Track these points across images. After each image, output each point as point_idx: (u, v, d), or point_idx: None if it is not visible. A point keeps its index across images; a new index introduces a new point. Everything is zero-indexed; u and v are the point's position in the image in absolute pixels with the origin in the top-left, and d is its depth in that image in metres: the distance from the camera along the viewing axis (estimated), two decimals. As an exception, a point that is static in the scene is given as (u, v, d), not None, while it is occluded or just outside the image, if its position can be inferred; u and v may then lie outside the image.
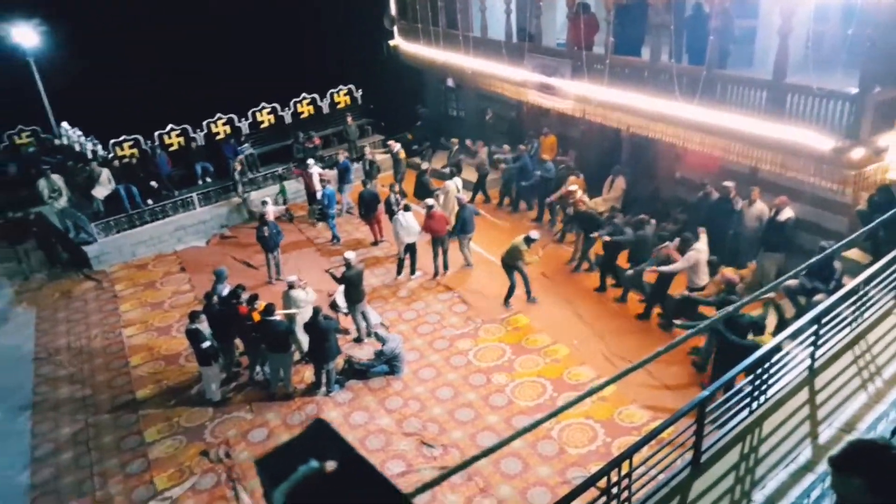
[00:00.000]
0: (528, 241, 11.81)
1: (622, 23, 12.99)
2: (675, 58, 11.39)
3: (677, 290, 10.77)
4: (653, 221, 11.82)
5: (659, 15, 11.58)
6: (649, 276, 11.29)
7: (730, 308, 6.24)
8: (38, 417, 10.80)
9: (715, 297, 9.37)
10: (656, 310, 11.35)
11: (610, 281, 12.34)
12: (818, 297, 8.34)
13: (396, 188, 15.28)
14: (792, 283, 8.91)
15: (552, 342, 11.13)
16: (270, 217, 14.25)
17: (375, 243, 15.56)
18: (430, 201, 13.61)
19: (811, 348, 5.95)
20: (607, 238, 11.81)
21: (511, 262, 11.95)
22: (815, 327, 5.90)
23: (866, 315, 6.54)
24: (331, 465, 2.91)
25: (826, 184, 9.30)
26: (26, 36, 19.48)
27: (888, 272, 6.57)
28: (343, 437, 3.23)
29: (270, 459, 3.29)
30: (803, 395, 5.77)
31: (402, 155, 17.75)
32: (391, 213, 14.23)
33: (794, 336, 5.93)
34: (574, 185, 13.38)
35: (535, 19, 14.96)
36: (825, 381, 5.89)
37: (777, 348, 5.70)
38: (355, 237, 16.10)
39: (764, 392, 5.64)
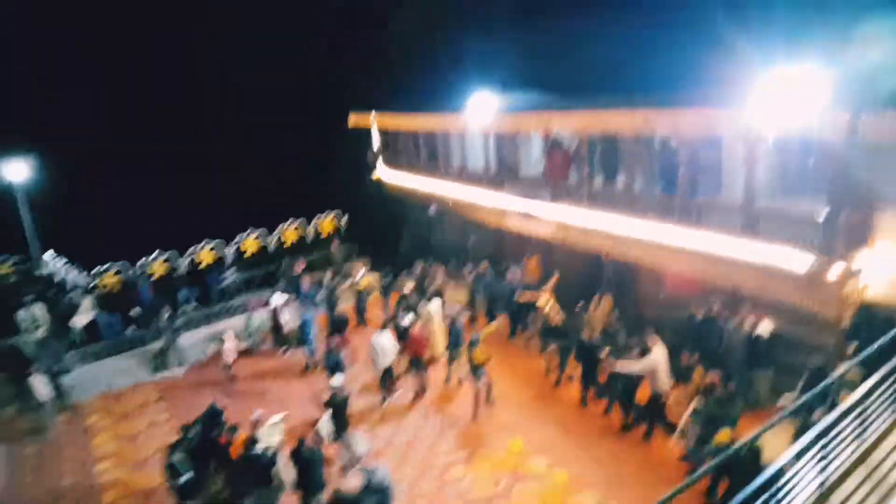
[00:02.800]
0: (473, 343, 12.32)
1: (596, 154, 13.91)
2: (648, 186, 12.10)
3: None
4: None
5: (630, 148, 12.44)
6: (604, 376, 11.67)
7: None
8: (-4, 567, 9.89)
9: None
10: (629, 419, 11.41)
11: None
12: (817, 414, 8.33)
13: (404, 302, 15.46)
14: (790, 398, 8.95)
15: (549, 467, 10.76)
16: (231, 357, 14.59)
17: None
18: (406, 322, 13.68)
19: (820, 467, 5.87)
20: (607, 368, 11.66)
21: (473, 366, 12.31)
22: (820, 445, 5.86)
23: (869, 431, 6.53)
24: None
25: (807, 302, 9.62)
26: (17, 170, 19.91)
27: (884, 388, 6.66)
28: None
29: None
30: (821, 516, 5.62)
31: (367, 280, 18.17)
32: (395, 325, 14.23)
33: (799, 455, 5.87)
34: (547, 298, 13.70)
35: (513, 152, 15.91)
36: (840, 500, 5.76)
37: (784, 469, 5.62)
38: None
39: (781, 514, 5.49)
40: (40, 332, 16.07)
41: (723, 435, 8.70)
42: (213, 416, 10.93)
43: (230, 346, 14.55)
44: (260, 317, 17.52)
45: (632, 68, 13.24)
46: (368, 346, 13.38)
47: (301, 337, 15.67)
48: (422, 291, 16.68)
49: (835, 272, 9.00)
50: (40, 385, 14.01)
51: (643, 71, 12.85)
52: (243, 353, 16.57)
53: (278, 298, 16.67)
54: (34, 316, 16.04)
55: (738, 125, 9.87)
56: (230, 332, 15.23)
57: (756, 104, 9.33)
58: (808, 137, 9.57)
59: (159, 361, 16.04)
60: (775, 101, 9.09)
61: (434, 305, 15.04)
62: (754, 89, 9.24)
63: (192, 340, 17.19)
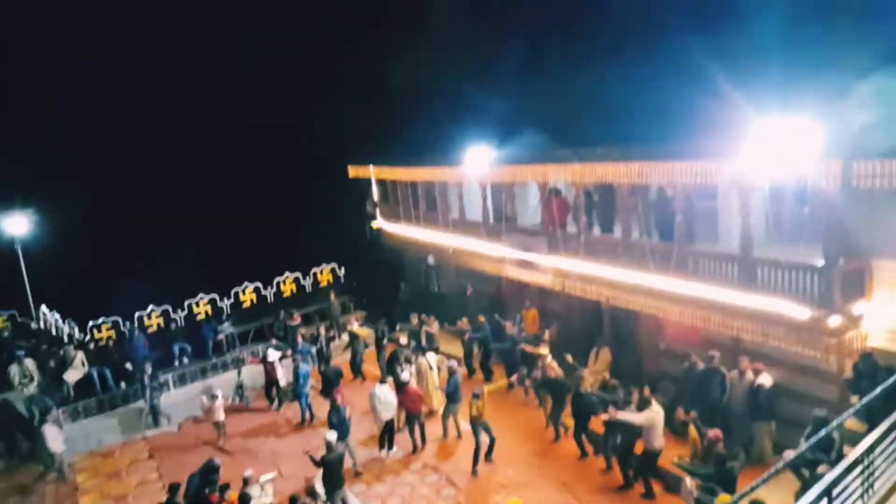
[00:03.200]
0: (476, 396, 12.11)
1: (593, 204, 13.97)
2: (645, 234, 12.10)
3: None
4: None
5: (626, 198, 12.49)
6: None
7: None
8: None
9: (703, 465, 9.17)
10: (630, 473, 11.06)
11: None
12: (821, 468, 8.09)
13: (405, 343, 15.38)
14: (792, 454, 8.68)
15: (549, 528, 10.40)
16: (220, 416, 14.31)
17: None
18: (404, 377, 13.48)
19: (829, 525, 5.65)
20: (607, 417, 11.23)
21: (475, 418, 12.11)
22: (825, 500, 5.66)
23: (876, 487, 6.32)
24: None
25: (808, 352, 9.48)
26: (18, 225, 20.01)
27: (888, 440, 6.47)
28: None
29: None
30: (831, 579, 5.37)
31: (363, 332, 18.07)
32: (393, 372, 14.02)
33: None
34: (545, 350, 13.58)
35: (510, 202, 15.97)
36: (851, 563, 5.52)
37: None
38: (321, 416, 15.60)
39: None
40: (32, 388, 15.83)
41: (724, 497, 8.45)
42: (209, 472, 10.64)
43: (219, 405, 14.28)
44: (250, 372, 17.31)
45: (627, 119, 13.44)
46: (370, 398, 13.17)
47: (296, 391, 15.40)
48: (417, 343, 16.51)
49: (834, 321, 8.89)
50: (53, 435, 13.69)
51: (638, 121, 13.03)
52: (235, 410, 16.32)
53: (273, 353, 16.49)
54: (25, 370, 15.83)
55: (733, 174, 9.93)
56: (219, 390, 14.96)
57: (750, 153, 9.40)
58: (803, 186, 9.60)
59: (149, 419, 15.65)
60: (769, 150, 9.16)
61: (430, 358, 14.84)
62: (748, 139, 9.33)
63: (185, 395, 16.91)
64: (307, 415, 15.27)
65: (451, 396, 13.32)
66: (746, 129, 9.32)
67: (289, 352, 16.99)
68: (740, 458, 9.38)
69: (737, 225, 10.48)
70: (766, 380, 10.69)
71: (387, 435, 13.28)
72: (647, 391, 10.89)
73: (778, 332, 9.70)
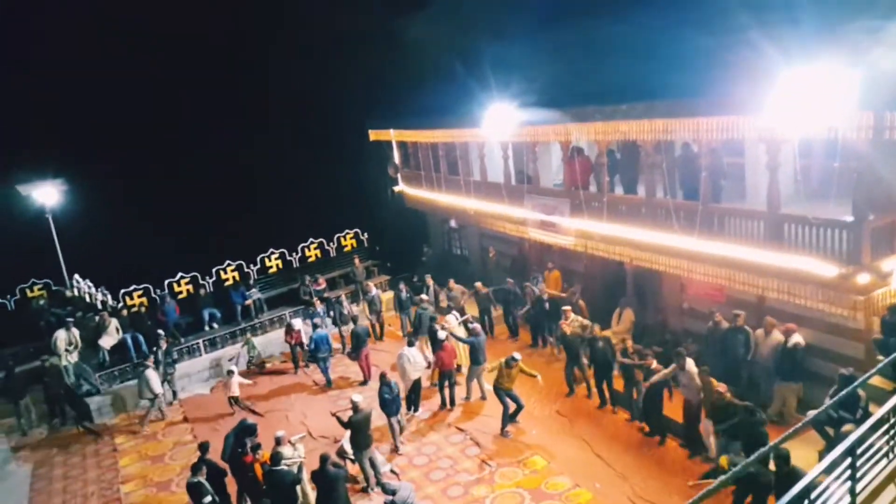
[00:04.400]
0: (509, 362, 12.05)
1: (615, 163, 13.74)
2: (669, 193, 11.88)
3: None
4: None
5: (650, 156, 12.25)
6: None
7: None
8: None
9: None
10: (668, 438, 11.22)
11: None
12: (846, 427, 8.03)
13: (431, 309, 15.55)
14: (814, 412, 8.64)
15: (573, 486, 10.55)
16: (235, 391, 14.46)
17: (364, 382, 15.42)
18: (441, 334, 13.64)
19: (850, 482, 5.63)
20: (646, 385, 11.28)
21: (501, 385, 12.14)
22: (850, 459, 5.63)
23: (902, 445, 6.26)
24: None
25: (835, 310, 9.31)
26: (48, 195, 20.41)
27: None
28: None
29: None
30: (851, 536, 5.38)
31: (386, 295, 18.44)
32: (432, 332, 14.12)
33: (828, 470, 5.64)
34: (568, 309, 13.72)
35: (532, 163, 15.79)
36: (871, 520, 5.52)
37: (813, 484, 5.40)
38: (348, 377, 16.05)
39: (809, 535, 5.27)
40: (75, 355, 16.33)
41: (723, 459, 8.43)
42: (243, 432, 10.92)
43: (235, 381, 14.56)
44: (267, 340, 17.70)
45: (652, 73, 13.04)
46: (399, 358, 13.40)
47: (315, 355, 15.67)
48: (437, 305, 16.72)
49: (862, 278, 8.70)
50: (154, 378, 14.67)
51: (663, 75, 12.65)
52: (265, 374, 16.83)
53: (297, 317, 16.78)
54: (72, 338, 16.31)
55: (761, 128, 9.64)
56: (234, 367, 15.28)
57: (779, 105, 9.10)
58: (833, 139, 9.29)
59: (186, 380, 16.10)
60: (798, 102, 8.85)
61: (451, 320, 14.94)
62: (777, 90, 9.01)
63: (214, 359, 17.37)
64: (328, 379, 15.59)
65: (474, 358, 13.47)
66: (775, 80, 9.00)
67: (313, 315, 17.25)
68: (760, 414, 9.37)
69: (764, 181, 10.21)
70: (799, 339, 10.54)
71: (413, 395, 13.51)
72: (684, 348, 10.93)
73: (804, 291, 9.53)
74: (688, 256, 11.38)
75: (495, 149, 16.95)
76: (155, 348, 15.94)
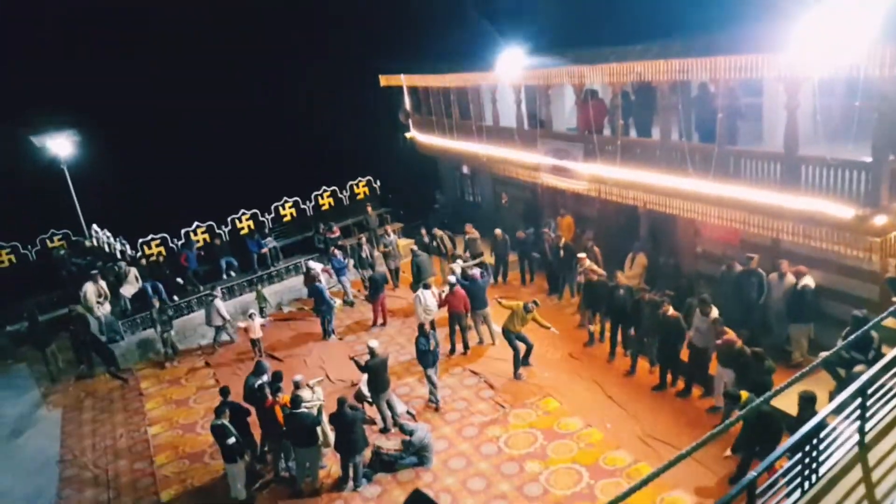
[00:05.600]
0: (528, 308, 12.17)
1: (630, 105, 13.47)
2: (685, 136, 11.68)
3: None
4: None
5: (666, 97, 11.99)
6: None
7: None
8: (62, 523, 10.56)
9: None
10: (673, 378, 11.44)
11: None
12: (858, 368, 8.11)
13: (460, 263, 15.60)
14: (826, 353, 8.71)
15: (585, 426, 10.81)
16: (257, 333, 14.74)
17: (375, 325, 15.84)
18: (451, 278, 13.82)
19: (859, 422, 5.74)
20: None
21: (511, 329, 12.26)
22: (860, 399, 5.71)
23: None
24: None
25: (850, 252, 9.25)
26: (62, 146, 20.48)
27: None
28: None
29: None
30: (857, 472, 5.52)
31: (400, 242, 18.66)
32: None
33: (838, 410, 5.74)
34: (582, 255, 13.88)
35: (545, 107, 15.52)
36: (879, 457, 5.64)
37: (823, 423, 5.50)
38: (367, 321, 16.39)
39: (815, 471, 5.40)
40: (106, 306, 16.48)
41: (744, 394, 8.55)
42: (259, 372, 11.24)
43: (257, 323, 14.81)
44: (282, 287, 18.02)
45: (667, 12, 12.64)
46: (415, 300, 13.82)
47: (318, 308, 15.73)
48: (445, 254, 16.95)
49: (879, 220, 8.60)
50: (221, 306, 15.77)
51: (679, 14, 12.25)
52: (282, 320, 17.17)
53: (314, 265, 16.94)
54: (100, 289, 16.45)
55: (780, 67, 9.38)
56: (253, 309, 15.60)
57: (799, 43, 8.82)
58: (854, 78, 9.02)
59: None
60: (820, 38, 8.57)
61: (456, 267, 15.00)
62: (798, 27, 8.72)
63: (235, 307, 17.69)
64: (325, 331, 15.68)
65: (473, 304, 13.66)
66: (796, 16, 8.70)
67: (328, 262, 17.42)
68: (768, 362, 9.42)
69: (782, 123, 9.99)
70: (809, 281, 10.55)
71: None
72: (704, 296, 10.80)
73: (820, 233, 9.45)
74: (703, 200, 11.27)
75: (508, 93, 16.67)
76: (150, 308, 16.13)
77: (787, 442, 5.28)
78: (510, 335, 12.42)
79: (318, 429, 10.36)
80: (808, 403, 7.54)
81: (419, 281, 15.37)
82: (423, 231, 18.11)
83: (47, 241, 21.29)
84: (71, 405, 14.53)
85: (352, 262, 18.08)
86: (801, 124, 9.76)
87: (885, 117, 8.58)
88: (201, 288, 17.93)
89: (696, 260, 13.65)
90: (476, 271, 14.23)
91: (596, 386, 11.91)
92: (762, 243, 11.59)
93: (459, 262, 15.41)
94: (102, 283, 16.67)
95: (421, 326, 11.98)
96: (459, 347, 13.95)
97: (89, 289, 16.32)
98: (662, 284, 13.08)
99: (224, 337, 16.25)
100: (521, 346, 12.56)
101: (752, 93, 11.92)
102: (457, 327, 13.81)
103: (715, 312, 10.54)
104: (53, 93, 22.81)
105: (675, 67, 11.07)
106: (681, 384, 11.27)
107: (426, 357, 11.87)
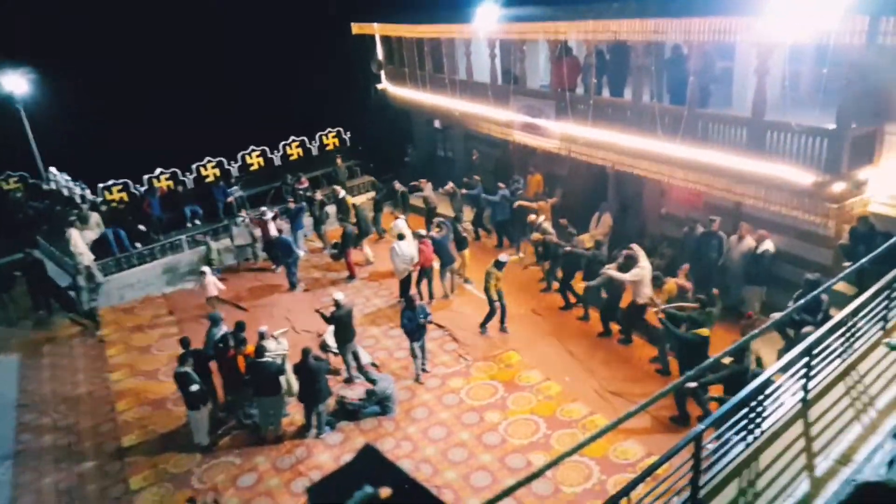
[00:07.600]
0: (498, 264, 12.29)
1: (604, 64, 13.40)
2: (656, 98, 11.71)
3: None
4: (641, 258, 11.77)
5: (639, 57, 11.95)
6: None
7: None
8: (20, 467, 10.49)
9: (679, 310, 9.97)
10: (614, 326, 12.00)
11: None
12: (807, 329, 8.41)
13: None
14: (779, 315, 9.00)
15: (544, 379, 11.09)
16: (212, 291, 14.38)
17: (350, 279, 15.80)
18: (422, 231, 13.86)
19: (804, 380, 5.98)
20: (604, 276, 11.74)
21: (489, 288, 12.36)
22: (806, 359, 5.94)
23: (856, 346, 6.60)
24: (386, 491, 2.88)
25: (808, 217, 9.50)
26: (16, 83, 19.61)
27: (874, 304, 6.66)
28: (394, 463, 3.21)
29: (322, 487, 3.25)
30: (798, 427, 5.78)
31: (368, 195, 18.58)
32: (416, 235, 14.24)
33: (785, 368, 5.97)
34: (540, 211, 14.17)
35: (519, 62, 15.34)
36: (819, 413, 5.91)
37: (769, 380, 5.72)
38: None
39: (759, 425, 5.64)
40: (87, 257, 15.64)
41: (703, 331, 9.10)
42: (215, 322, 11.27)
43: (209, 281, 14.48)
44: (224, 243, 17.64)
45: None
46: (390, 251, 13.74)
47: (281, 255, 15.66)
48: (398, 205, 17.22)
49: (837, 186, 8.81)
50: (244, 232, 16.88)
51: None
52: (247, 271, 17.03)
53: (270, 214, 16.66)
54: (84, 236, 15.83)
55: (754, 30, 9.40)
56: (206, 267, 15.11)
57: (773, 7, 8.84)
58: (825, 45, 9.10)
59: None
60: (793, 4, 8.60)
61: (399, 224, 14.99)
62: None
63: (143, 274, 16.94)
64: (291, 283, 15.59)
65: (445, 258, 13.85)
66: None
67: (290, 213, 17.19)
68: (717, 305, 9.96)
69: (751, 87, 10.08)
70: (769, 246, 10.85)
71: (405, 288, 13.89)
72: (633, 247, 11.39)
73: (780, 198, 9.68)
74: (670, 162, 11.41)
75: (482, 47, 16.41)
76: (74, 277, 15.49)
77: (735, 398, 5.48)
78: (490, 295, 12.42)
79: (283, 378, 10.41)
80: (756, 361, 7.88)
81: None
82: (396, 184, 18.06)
83: (2, 184, 20.55)
84: (29, 351, 14.28)
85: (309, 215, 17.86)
86: (770, 90, 9.85)
87: (853, 85, 8.71)
88: (162, 237, 17.55)
89: (661, 221, 13.87)
90: (435, 230, 14.33)
91: (556, 341, 12.18)
92: (725, 206, 11.81)
93: (402, 220, 15.48)
94: (87, 233, 15.92)
95: (410, 299, 11.42)
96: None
97: (74, 235, 15.47)
98: (626, 244, 13.27)
99: (248, 253, 17.20)
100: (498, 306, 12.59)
101: (725, 57, 11.96)
102: (424, 279, 13.95)
103: (643, 264, 11.02)
104: (7, 29, 21.69)
105: (651, 27, 11.01)
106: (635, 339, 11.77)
107: (411, 332, 11.28)
